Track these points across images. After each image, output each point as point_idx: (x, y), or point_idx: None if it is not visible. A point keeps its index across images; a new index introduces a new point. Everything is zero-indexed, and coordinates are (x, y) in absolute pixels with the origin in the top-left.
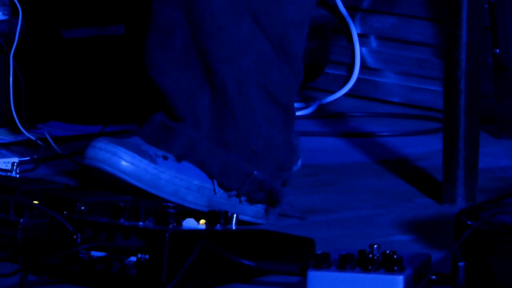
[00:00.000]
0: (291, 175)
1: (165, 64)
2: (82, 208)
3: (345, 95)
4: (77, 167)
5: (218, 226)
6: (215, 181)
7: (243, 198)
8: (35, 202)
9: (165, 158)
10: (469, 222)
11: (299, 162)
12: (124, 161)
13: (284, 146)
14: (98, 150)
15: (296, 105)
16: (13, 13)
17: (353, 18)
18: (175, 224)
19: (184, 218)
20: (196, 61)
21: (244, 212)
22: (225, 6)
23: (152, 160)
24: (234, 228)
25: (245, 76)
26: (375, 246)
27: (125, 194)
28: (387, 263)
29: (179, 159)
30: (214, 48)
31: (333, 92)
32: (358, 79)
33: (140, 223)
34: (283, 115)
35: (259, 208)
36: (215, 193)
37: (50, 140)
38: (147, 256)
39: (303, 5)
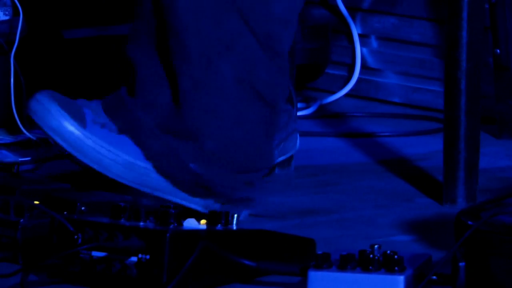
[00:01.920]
0: (258, 177)
1: (139, 48)
2: (83, 208)
3: (346, 95)
4: (78, 167)
5: (219, 226)
6: (151, 164)
7: (187, 191)
8: (36, 202)
9: (103, 126)
10: (469, 222)
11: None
12: (52, 118)
13: (251, 147)
14: (35, 101)
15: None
16: (14, 13)
17: (353, 18)
18: (175, 224)
19: (185, 218)
20: (161, 53)
21: (191, 200)
22: (203, 4)
23: (82, 124)
24: (235, 228)
25: (222, 74)
26: (376, 246)
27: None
28: (387, 263)
29: (120, 131)
30: (173, 44)
31: (333, 92)
32: (358, 79)
33: (141, 223)
34: (268, 113)
35: (209, 201)
36: (152, 175)
37: (51, 140)
38: (147, 256)
39: (291, 3)
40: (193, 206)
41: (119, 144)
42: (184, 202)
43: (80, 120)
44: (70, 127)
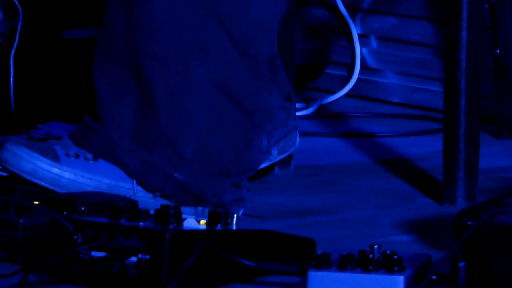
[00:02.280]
0: (243, 179)
1: (101, 61)
2: (82, 208)
3: (346, 95)
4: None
5: (218, 227)
6: (134, 181)
7: (169, 199)
8: (36, 202)
9: (77, 156)
10: (469, 223)
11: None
12: (26, 162)
13: (230, 152)
14: (3, 150)
15: (297, 105)
16: (13, 13)
17: (353, 19)
18: (175, 225)
19: (185, 219)
20: (127, 60)
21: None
22: (178, 8)
23: (55, 159)
24: (234, 228)
25: (197, 78)
26: (376, 246)
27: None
28: (387, 264)
29: (95, 157)
30: (146, 48)
31: (333, 92)
32: (358, 79)
33: (141, 224)
34: (244, 118)
35: (199, 210)
36: (134, 192)
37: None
38: (147, 257)
39: (271, 8)
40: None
41: (98, 170)
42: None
43: (53, 157)
44: (45, 166)
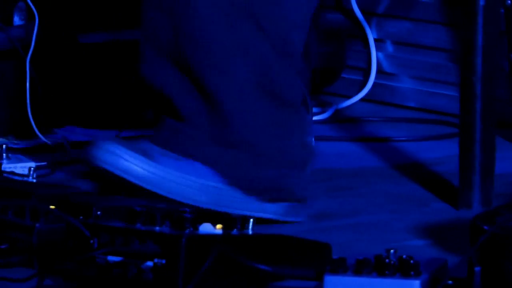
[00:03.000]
0: (307, 172)
1: (157, 66)
2: (98, 212)
3: (361, 100)
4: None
5: (234, 231)
6: (225, 180)
7: (262, 197)
8: (51, 207)
9: (169, 157)
10: (485, 227)
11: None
12: (124, 160)
13: (296, 142)
14: (99, 149)
15: (313, 110)
16: (29, 18)
17: (369, 23)
18: (191, 229)
19: (201, 223)
20: (177, 64)
21: (264, 210)
22: (218, 11)
23: (151, 157)
24: (250, 233)
25: (243, 80)
26: (392, 251)
27: (127, 192)
28: (403, 268)
29: (186, 157)
30: (194, 53)
31: (349, 97)
32: (374, 84)
33: (157, 228)
34: (291, 114)
35: (281, 206)
36: (224, 191)
37: (66, 145)
38: (163, 261)
39: (304, 7)
40: (267, 215)
41: (190, 169)
42: (259, 214)
43: (150, 156)
44: (140, 163)
